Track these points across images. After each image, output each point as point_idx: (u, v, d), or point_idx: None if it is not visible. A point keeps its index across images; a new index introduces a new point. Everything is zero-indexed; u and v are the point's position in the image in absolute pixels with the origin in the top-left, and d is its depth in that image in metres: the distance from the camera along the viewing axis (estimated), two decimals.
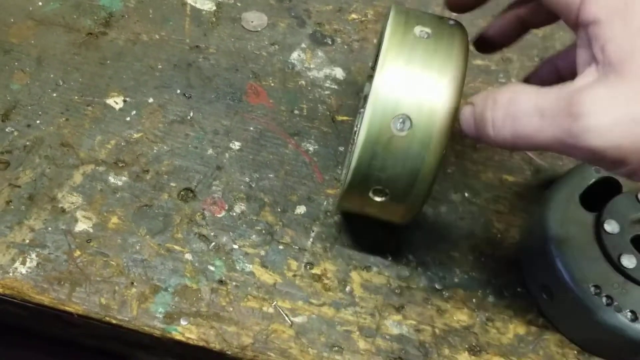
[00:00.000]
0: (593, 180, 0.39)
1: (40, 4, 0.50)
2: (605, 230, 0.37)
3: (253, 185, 0.43)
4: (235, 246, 0.40)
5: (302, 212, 0.42)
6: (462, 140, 0.46)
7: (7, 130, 0.44)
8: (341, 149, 0.45)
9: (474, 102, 0.30)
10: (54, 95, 0.46)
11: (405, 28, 0.32)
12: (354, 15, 0.52)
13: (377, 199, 0.33)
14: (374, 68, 0.38)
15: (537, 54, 0.50)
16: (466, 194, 0.44)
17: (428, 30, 0.32)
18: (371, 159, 0.32)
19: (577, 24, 0.27)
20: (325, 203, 0.42)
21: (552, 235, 0.37)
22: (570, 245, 0.37)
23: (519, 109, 0.27)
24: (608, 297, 0.35)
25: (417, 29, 0.32)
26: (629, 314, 0.35)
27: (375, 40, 0.50)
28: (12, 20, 0.49)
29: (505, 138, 0.28)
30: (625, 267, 0.36)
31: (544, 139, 0.27)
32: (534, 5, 0.35)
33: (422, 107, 0.31)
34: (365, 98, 0.41)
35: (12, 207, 0.41)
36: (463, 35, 0.33)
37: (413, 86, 0.31)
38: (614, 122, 0.25)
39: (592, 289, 0.35)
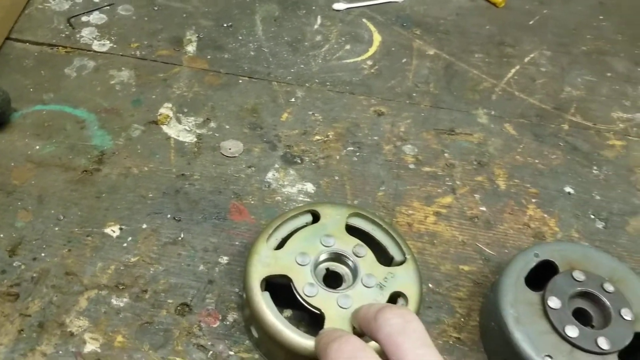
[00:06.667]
0: (534, 264, 0.46)
1: (37, 147, 0.56)
2: (549, 307, 0.43)
3: (243, 295, 0.48)
4: (232, 352, 0.45)
5: (289, 315, 0.47)
6: (420, 237, 0.52)
7: (14, 264, 0.48)
8: None
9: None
10: (56, 229, 0.51)
11: None
12: (317, 137, 0.60)
13: None
14: None
15: (475, 159, 0.59)
16: (430, 285, 0.50)
17: None
18: None
19: None
20: None
21: (506, 315, 0.43)
22: (523, 322, 0.43)
23: None
24: None
25: None
26: None
27: (337, 157, 0.58)
28: (12, 164, 0.55)
29: None
30: (570, 337, 0.42)
31: None
32: None
33: None
34: None
35: (24, 335, 0.44)
36: None
37: None
38: None
39: (547, 359, 0.41)
